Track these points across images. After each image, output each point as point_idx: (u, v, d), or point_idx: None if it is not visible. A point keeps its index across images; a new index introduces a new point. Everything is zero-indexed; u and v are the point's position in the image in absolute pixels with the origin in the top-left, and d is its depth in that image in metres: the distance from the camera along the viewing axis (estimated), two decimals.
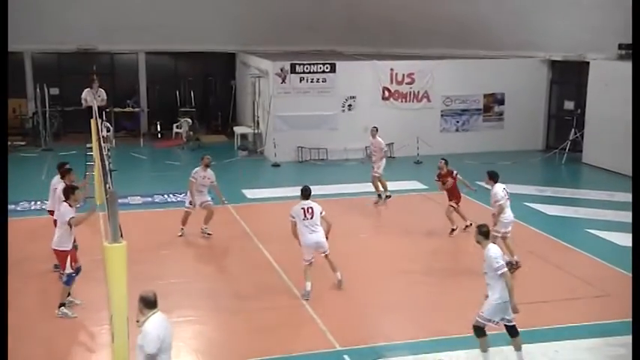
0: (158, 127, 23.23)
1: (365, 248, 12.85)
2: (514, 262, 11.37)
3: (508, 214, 11.50)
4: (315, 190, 14.11)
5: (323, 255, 10.68)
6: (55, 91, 22.16)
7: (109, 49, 23.28)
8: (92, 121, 15.18)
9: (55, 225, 10.38)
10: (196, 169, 13.12)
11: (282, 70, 19.99)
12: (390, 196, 15.73)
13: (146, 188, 16.51)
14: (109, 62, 23.93)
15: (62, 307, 9.74)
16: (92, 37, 22.36)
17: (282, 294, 10.70)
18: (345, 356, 8.80)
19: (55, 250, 9.80)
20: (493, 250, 8.24)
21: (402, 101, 20.98)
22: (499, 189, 11.52)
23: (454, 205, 13.68)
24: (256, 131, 21.32)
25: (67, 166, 11.44)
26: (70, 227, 9.71)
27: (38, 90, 21.60)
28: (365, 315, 10.10)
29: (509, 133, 21.56)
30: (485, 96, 21.60)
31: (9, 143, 20.79)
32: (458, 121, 21.48)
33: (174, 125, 22.51)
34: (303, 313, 10.01)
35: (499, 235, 11.25)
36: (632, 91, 12.09)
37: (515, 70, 21.58)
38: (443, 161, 13.92)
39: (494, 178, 11.64)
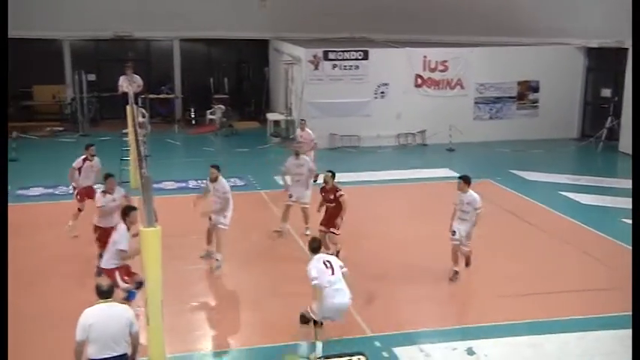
0: (192, 113, 23.35)
1: (395, 236, 12.75)
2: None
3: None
4: (348, 177, 14.16)
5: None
6: (92, 77, 22.36)
7: (144, 36, 23.41)
8: (128, 108, 15.30)
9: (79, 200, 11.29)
10: (289, 158, 12.87)
11: (315, 57, 19.90)
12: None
13: (180, 174, 16.61)
14: (144, 49, 24.08)
15: None
16: (128, 24, 22.48)
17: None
18: (377, 342, 8.77)
19: (103, 269, 8.96)
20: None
21: (434, 88, 20.75)
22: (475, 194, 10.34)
23: (324, 229, 11.08)
24: (289, 118, 21.29)
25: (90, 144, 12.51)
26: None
27: (76, 76, 21.85)
28: (396, 302, 10.04)
29: (543, 121, 21.19)
30: (519, 83, 21.25)
31: (47, 129, 21.22)
32: (491, 109, 21.16)
33: (208, 112, 22.59)
34: None
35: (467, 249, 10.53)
36: (632, 91, 11.72)
37: (551, 58, 21.16)
38: (329, 173, 11.28)
39: (468, 182, 10.40)
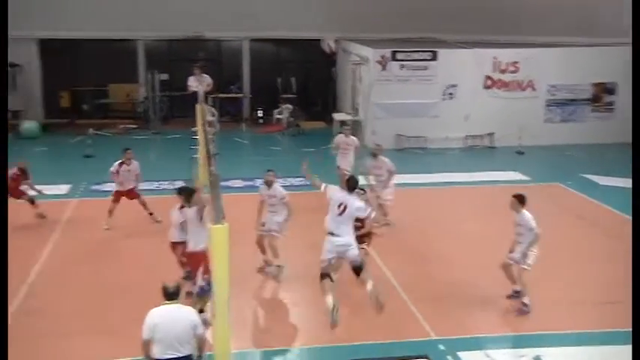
0: (260, 112, 23.63)
1: (462, 238, 12.56)
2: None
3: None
4: (415, 178, 14.06)
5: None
6: (164, 76, 22.93)
7: (215, 36, 23.84)
8: (197, 106, 15.60)
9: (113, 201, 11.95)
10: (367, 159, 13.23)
11: (382, 57, 19.83)
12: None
13: (247, 172, 16.83)
14: (215, 49, 24.52)
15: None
16: (200, 24, 22.94)
17: (377, 280, 10.62)
18: (440, 346, 8.66)
19: (194, 253, 8.90)
20: None
21: (504, 90, 20.34)
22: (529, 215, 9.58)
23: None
24: (355, 118, 21.27)
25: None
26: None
27: (149, 76, 22.46)
28: (462, 305, 9.88)
29: (619, 124, 20.43)
30: (594, 85, 20.60)
31: (121, 126, 21.87)
32: (563, 111, 20.61)
33: (276, 111, 22.81)
34: (398, 300, 9.92)
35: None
36: (632, 91, 11.26)
37: (628, 59, 20.36)
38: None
39: (522, 201, 9.67)
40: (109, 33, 22.37)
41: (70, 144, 19.94)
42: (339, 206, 8.51)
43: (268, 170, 10.92)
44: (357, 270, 8.66)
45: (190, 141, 16.46)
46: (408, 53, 19.93)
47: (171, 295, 6.66)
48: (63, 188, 15.34)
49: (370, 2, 22.87)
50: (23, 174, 13.06)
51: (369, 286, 8.56)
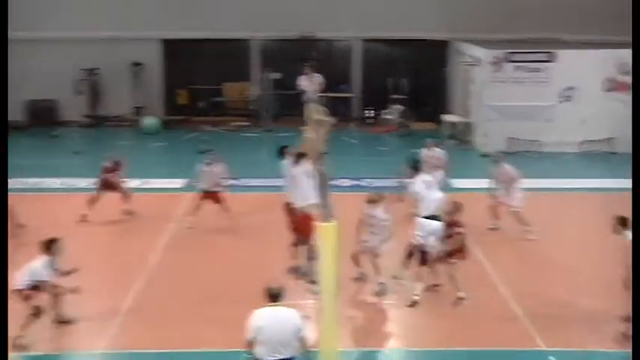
0: (369, 112, 23.65)
1: (578, 248, 12.06)
2: None
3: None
4: (528, 183, 13.60)
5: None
6: (276, 75, 23.40)
7: (327, 36, 24.07)
8: (307, 106, 15.84)
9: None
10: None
11: (497, 58, 19.34)
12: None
13: (355, 172, 16.90)
14: (326, 49, 24.75)
15: None
16: (313, 24, 23.25)
17: (487, 286, 10.41)
18: (551, 357, 8.36)
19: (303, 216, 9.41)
20: None
21: (628, 93, 19.28)
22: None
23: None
24: (466, 120, 20.87)
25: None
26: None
27: (262, 75, 23.01)
28: (575, 317, 9.49)
29: None
30: None
31: (233, 124, 22.55)
32: None
33: (385, 111, 22.76)
34: (508, 308, 9.66)
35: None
36: (632, 90, 10.97)
37: None
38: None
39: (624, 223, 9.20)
40: (225, 33, 23.10)
41: (186, 140, 20.76)
42: None
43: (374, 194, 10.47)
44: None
45: (300, 140, 16.71)
46: (524, 54, 19.33)
47: (275, 297, 6.67)
48: (178, 182, 16.01)
49: (486, 2, 22.37)
50: (117, 166, 13.66)
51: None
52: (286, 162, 11.31)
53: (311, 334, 7.09)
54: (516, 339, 8.84)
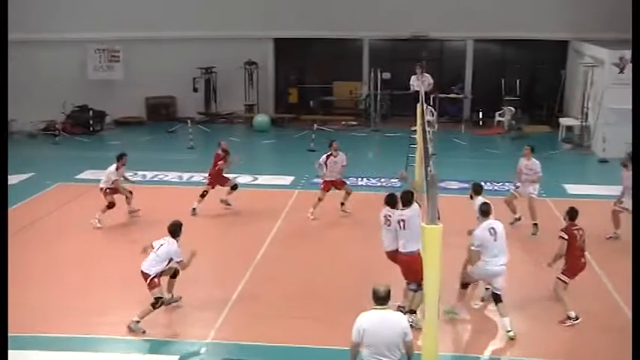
0: (480, 114, 23.13)
1: None
2: None
3: None
4: None
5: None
6: (386, 75, 23.36)
7: (439, 36, 23.76)
8: (418, 106, 15.67)
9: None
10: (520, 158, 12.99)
11: (621, 59, 18.39)
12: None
13: (464, 174, 16.54)
14: (438, 48, 24.44)
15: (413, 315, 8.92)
16: (425, 24, 23.00)
17: (602, 297, 9.91)
18: None
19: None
20: None
21: None
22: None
23: None
24: (584, 124, 19.94)
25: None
26: None
27: (372, 74, 23.03)
28: None
29: None
30: None
31: (342, 122, 22.69)
32: None
33: (497, 113, 22.17)
34: (623, 317, 9.15)
35: None
36: (632, 91, 11.05)
37: None
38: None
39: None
40: (337, 32, 23.32)
41: (296, 138, 21.11)
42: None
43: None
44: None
45: (409, 140, 16.58)
46: None
47: (381, 300, 6.53)
48: (287, 179, 16.30)
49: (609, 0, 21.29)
50: (226, 154, 14.00)
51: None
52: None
53: (415, 339, 6.98)
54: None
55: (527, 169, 12.88)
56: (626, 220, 12.08)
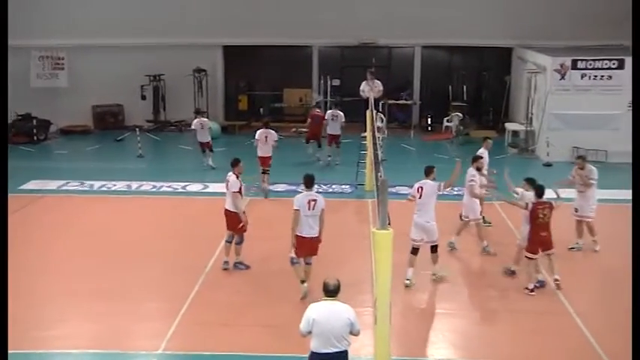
0: (429, 120, 23.48)
1: None
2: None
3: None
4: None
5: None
6: (336, 82, 23.53)
7: (387, 43, 24.04)
8: (367, 112, 15.81)
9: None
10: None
11: (562, 66, 18.92)
12: None
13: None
14: (386, 55, 24.72)
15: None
16: (373, 31, 23.25)
17: (551, 299, 10.16)
18: None
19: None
20: None
21: None
22: None
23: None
24: (529, 128, 20.45)
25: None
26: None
27: (322, 81, 23.13)
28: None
29: None
30: None
31: (293, 129, 22.69)
32: None
33: (445, 119, 22.54)
34: (570, 322, 9.40)
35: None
36: (632, 91, 11.10)
37: None
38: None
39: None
40: (286, 39, 23.37)
41: (246, 145, 21.02)
42: None
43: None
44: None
45: (359, 146, 16.71)
46: (591, 61, 18.83)
47: (331, 292, 6.76)
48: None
49: (549, 8, 21.91)
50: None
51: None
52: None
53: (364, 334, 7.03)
54: (577, 354, 8.59)
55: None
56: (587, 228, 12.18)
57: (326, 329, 6.61)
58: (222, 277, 11.03)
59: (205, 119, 18.63)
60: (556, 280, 10.38)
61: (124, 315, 9.61)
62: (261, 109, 24.11)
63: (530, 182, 10.81)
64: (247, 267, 11.24)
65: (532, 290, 10.20)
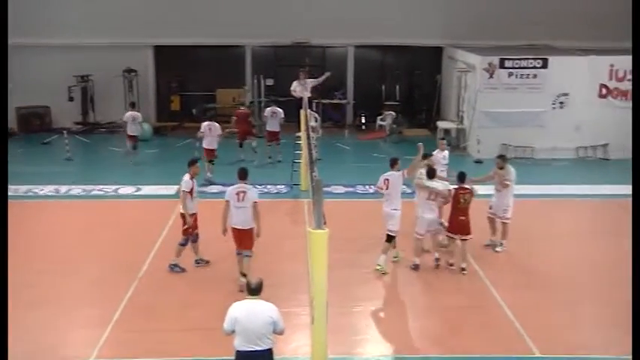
0: (362, 119, 23.71)
1: (571, 254, 12.08)
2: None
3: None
4: (521, 189, 13.62)
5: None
6: (270, 82, 23.46)
7: (321, 43, 24.13)
8: (301, 112, 15.84)
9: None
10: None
11: (490, 64, 19.41)
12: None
13: (348, 178, 16.90)
14: (320, 55, 24.81)
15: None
16: (307, 31, 23.30)
17: (482, 295, 10.42)
18: None
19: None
20: None
21: (621, 99, 19.39)
22: None
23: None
24: (460, 126, 20.92)
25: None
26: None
27: (255, 81, 23.02)
28: (570, 325, 9.50)
29: None
30: None
31: (227, 130, 22.47)
32: None
33: (379, 118, 22.80)
34: (501, 314, 9.67)
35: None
36: (633, 91, 10.24)
37: None
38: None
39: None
40: (219, 39, 23.16)
41: (179, 146, 20.74)
42: None
43: None
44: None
45: (294, 146, 16.72)
46: (517, 61, 19.40)
47: (253, 291, 6.82)
48: (172, 189, 15.95)
49: (478, 8, 22.47)
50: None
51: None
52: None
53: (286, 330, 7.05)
54: (510, 346, 8.84)
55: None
56: (502, 227, 12.25)
57: (248, 328, 6.65)
58: (156, 280, 10.84)
59: (138, 113, 18.98)
60: (463, 268, 11.00)
61: (56, 324, 9.35)
62: (194, 110, 23.79)
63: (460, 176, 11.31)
64: (207, 262, 11.35)
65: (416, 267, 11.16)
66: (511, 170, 12.16)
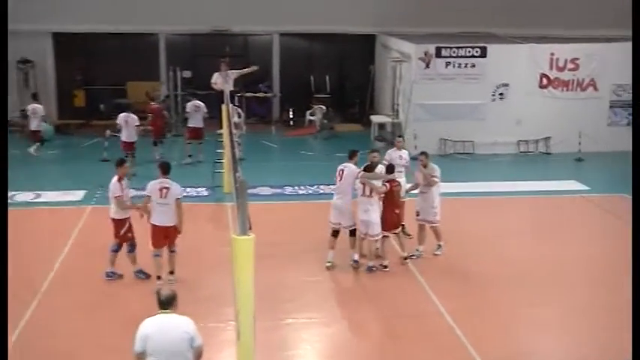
0: (290, 114, 23.74)
1: (512, 254, 12.44)
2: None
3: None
4: (460, 187, 13.99)
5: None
6: (187, 74, 23.16)
7: (243, 31, 24.02)
8: (223, 106, 15.72)
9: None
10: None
11: (426, 54, 19.77)
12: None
13: (276, 179, 16.90)
14: (242, 44, 24.71)
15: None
16: (226, 17, 23.13)
17: (421, 302, 10.62)
18: None
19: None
20: None
21: (562, 90, 20.12)
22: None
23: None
24: (395, 120, 21.23)
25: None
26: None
27: (171, 73, 22.71)
28: (512, 329, 9.79)
29: None
30: None
31: (142, 128, 22.08)
32: (630, 114, 20.27)
33: (308, 112, 22.89)
34: (441, 322, 9.87)
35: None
36: (632, 91, 10.88)
37: None
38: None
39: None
40: (128, 27, 22.73)
41: (85, 147, 20.27)
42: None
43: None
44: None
45: (215, 144, 16.61)
46: (454, 49, 19.83)
47: (164, 304, 6.51)
48: (78, 194, 15.61)
49: None
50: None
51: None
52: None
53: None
54: (450, 354, 9.04)
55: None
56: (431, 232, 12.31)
57: (161, 346, 6.35)
58: (60, 297, 10.56)
59: (40, 106, 19.36)
60: (405, 258, 11.78)
61: None
62: (102, 106, 23.28)
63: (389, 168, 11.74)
64: (148, 276, 11.00)
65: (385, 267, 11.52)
66: (435, 167, 12.15)
